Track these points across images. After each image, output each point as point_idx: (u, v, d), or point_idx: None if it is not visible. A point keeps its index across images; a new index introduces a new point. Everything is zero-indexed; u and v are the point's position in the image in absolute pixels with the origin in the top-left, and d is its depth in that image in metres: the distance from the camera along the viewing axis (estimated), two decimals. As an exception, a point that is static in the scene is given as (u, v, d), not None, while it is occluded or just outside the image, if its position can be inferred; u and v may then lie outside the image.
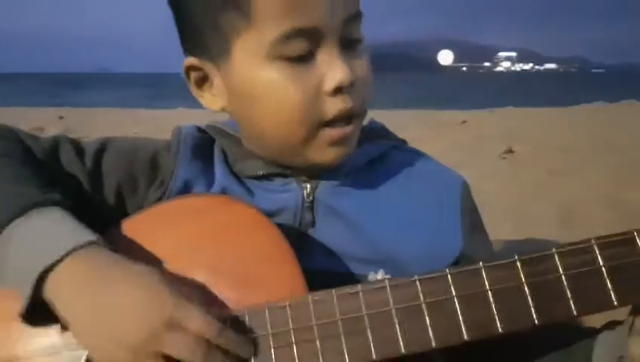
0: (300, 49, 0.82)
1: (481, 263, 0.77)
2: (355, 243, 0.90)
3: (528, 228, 4.12)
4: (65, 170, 0.93)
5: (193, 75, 0.92)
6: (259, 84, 0.85)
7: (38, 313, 0.75)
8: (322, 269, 0.86)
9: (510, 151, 7.11)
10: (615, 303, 0.74)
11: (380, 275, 0.89)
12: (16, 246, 0.76)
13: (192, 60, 0.91)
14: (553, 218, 4.33)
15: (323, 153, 0.88)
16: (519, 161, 6.65)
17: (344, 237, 0.91)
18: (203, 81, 0.92)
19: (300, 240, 0.89)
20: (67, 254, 0.74)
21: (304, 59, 0.83)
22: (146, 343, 0.70)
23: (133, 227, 0.87)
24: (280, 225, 0.87)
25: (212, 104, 0.93)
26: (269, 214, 0.88)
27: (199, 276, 0.82)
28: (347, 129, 0.86)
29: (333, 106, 0.84)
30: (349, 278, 0.87)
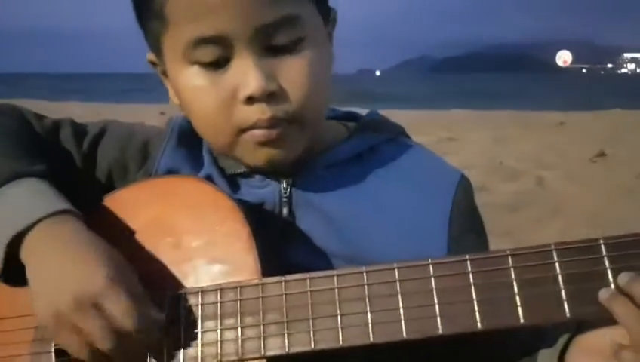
0: (210, 55, 0.81)
1: (429, 260, 0.73)
2: (334, 240, 0.88)
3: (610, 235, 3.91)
4: (62, 150, 0.98)
5: (159, 68, 0.94)
6: (183, 90, 0.86)
7: (17, 274, 0.80)
8: (301, 263, 0.84)
9: (602, 154, 6.77)
10: (567, 314, 0.68)
11: None
12: None
13: (150, 56, 0.94)
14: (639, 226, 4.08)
15: (253, 154, 0.86)
16: (610, 165, 6.33)
17: (322, 233, 0.88)
18: (166, 74, 0.93)
19: (279, 233, 0.89)
20: (38, 221, 0.79)
21: (219, 65, 0.82)
22: (68, 313, 0.74)
23: (111, 204, 0.90)
24: (265, 217, 0.88)
25: (173, 97, 0.93)
26: (251, 207, 0.88)
27: (164, 252, 0.84)
28: (272, 132, 0.83)
29: (250, 116, 0.82)
30: None
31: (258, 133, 0.83)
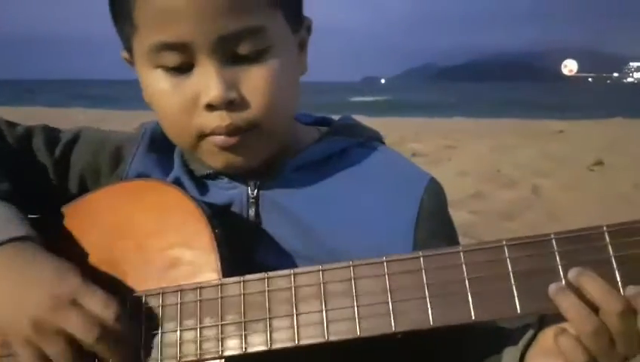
0: (173, 61, 0.82)
1: (384, 257, 0.73)
2: (301, 241, 0.88)
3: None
4: (34, 158, 0.99)
5: (132, 65, 0.95)
6: (149, 92, 0.88)
7: None
8: (269, 264, 0.84)
9: (600, 162, 6.76)
10: (518, 311, 0.68)
11: None
12: None
13: (124, 54, 0.94)
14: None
15: (215, 158, 0.88)
16: (608, 174, 6.32)
17: (289, 234, 0.89)
18: None
19: (247, 234, 0.89)
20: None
21: (183, 70, 0.83)
22: (46, 316, 0.75)
23: (78, 208, 0.92)
24: (229, 218, 0.89)
25: (145, 96, 0.94)
26: (219, 209, 0.89)
27: (127, 254, 0.85)
28: (230, 139, 0.84)
29: (210, 122, 0.83)
30: None
31: (217, 139, 0.84)
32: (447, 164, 7.68)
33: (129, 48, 0.90)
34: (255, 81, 0.83)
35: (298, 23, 0.91)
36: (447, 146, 9.47)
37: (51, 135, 1.01)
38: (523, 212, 5.12)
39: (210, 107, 0.82)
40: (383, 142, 1.02)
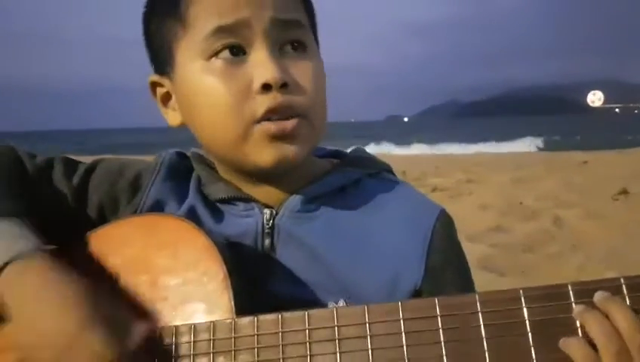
0: (228, 43, 0.85)
1: (399, 302, 0.73)
2: (315, 271, 0.89)
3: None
4: (54, 187, 1.00)
5: (159, 92, 0.97)
6: (197, 88, 0.88)
7: None
8: (283, 295, 0.85)
9: (625, 192, 6.67)
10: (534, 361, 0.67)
11: (341, 304, 0.86)
12: None
13: (153, 77, 0.96)
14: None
15: (263, 152, 0.86)
16: (632, 203, 6.23)
17: (304, 265, 0.89)
18: (167, 98, 0.96)
19: (261, 264, 0.89)
20: (10, 261, 0.82)
21: (236, 55, 0.86)
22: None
23: (93, 241, 0.92)
24: (243, 249, 0.89)
25: (173, 120, 0.96)
26: (233, 238, 0.89)
27: (140, 290, 0.85)
28: (286, 124, 0.85)
29: (263, 104, 0.84)
30: (310, 306, 0.82)
31: (273, 126, 0.85)
32: (468, 198, 7.64)
33: (167, 60, 0.92)
34: (303, 72, 0.88)
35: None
36: (468, 180, 9.45)
37: (70, 165, 1.03)
38: (545, 243, 5.05)
39: (266, 87, 0.84)
40: (393, 174, 1.04)
